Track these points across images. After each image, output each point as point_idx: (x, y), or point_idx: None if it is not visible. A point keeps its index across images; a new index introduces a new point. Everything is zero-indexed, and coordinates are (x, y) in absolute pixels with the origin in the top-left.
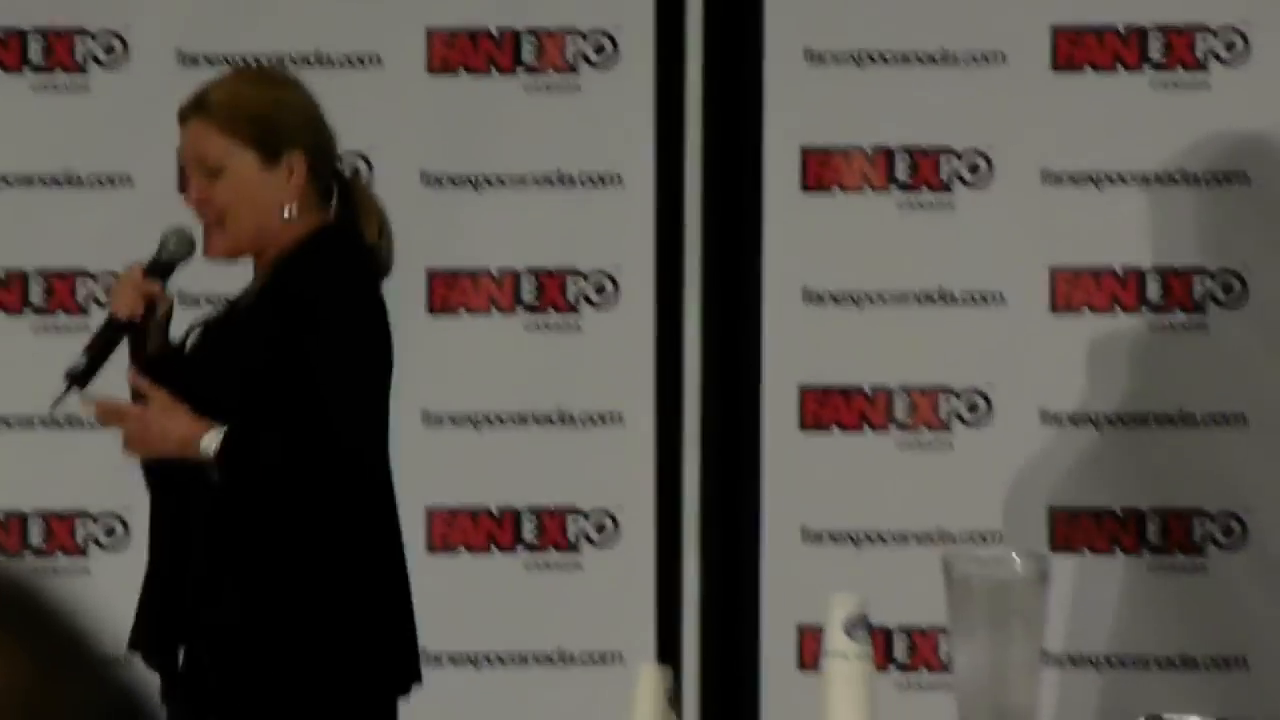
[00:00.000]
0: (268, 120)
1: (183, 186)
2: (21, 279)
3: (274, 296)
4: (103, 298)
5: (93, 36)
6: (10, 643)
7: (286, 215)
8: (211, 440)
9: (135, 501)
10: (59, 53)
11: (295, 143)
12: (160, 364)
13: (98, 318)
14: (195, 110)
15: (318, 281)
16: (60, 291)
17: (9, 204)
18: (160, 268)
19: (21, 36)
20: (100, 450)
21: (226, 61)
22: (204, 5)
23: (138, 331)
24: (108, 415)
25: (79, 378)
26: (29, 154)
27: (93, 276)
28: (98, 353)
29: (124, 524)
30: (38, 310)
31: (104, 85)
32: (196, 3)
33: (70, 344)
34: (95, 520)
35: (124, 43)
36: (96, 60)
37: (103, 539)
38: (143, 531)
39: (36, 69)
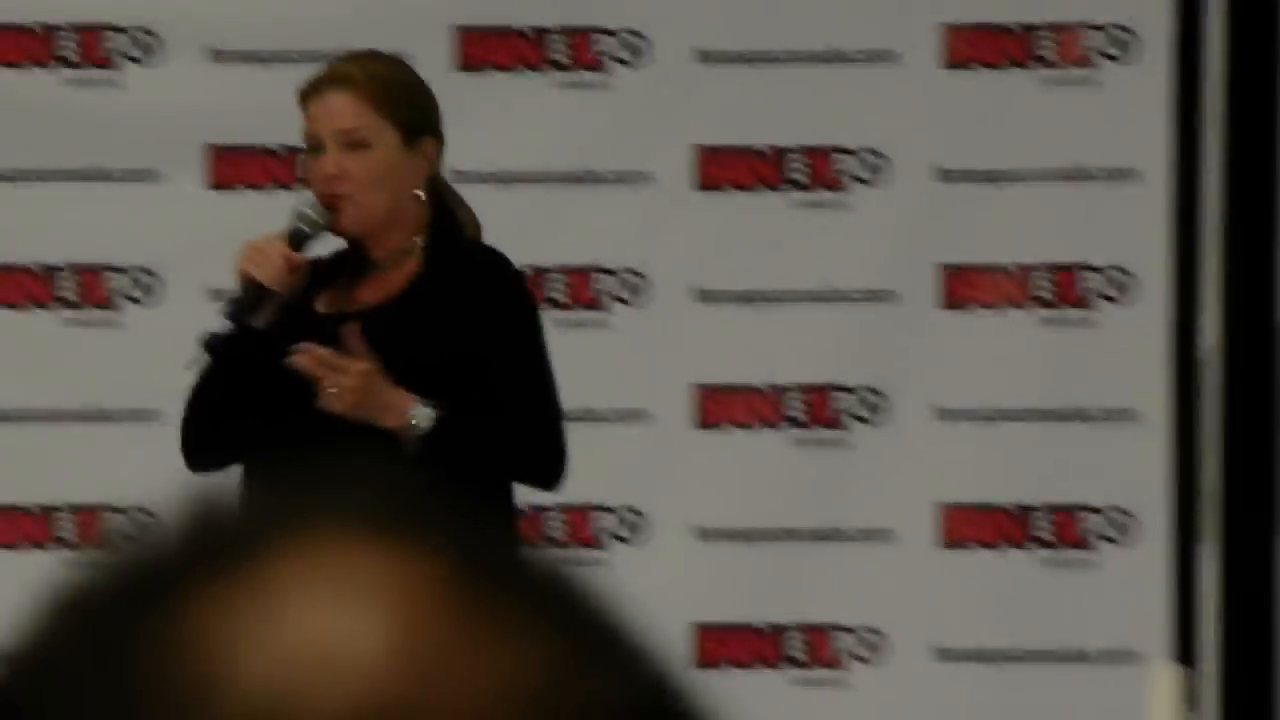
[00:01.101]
0: (415, 102)
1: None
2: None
3: (442, 283)
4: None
5: (611, 33)
6: (531, 635)
7: (418, 198)
8: (421, 414)
9: None
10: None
11: (432, 129)
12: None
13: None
14: (337, 83)
15: (485, 269)
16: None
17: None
18: (300, 238)
19: None
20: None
21: (743, 60)
22: (726, 6)
23: (273, 301)
24: (322, 366)
25: (220, 344)
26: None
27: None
28: (243, 318)
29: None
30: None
31: (625, 82)
32: (719, 2)
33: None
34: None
35: (647, 42)
36: (616, 58)
37: None
38: None
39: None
